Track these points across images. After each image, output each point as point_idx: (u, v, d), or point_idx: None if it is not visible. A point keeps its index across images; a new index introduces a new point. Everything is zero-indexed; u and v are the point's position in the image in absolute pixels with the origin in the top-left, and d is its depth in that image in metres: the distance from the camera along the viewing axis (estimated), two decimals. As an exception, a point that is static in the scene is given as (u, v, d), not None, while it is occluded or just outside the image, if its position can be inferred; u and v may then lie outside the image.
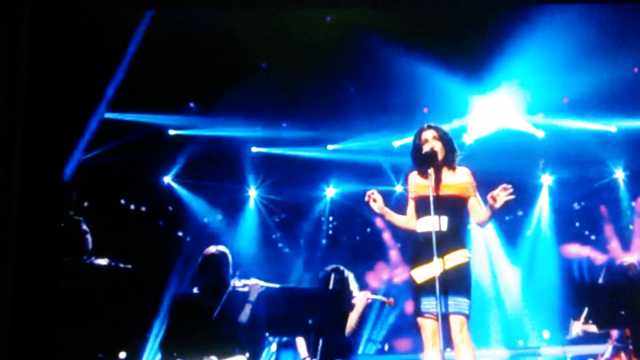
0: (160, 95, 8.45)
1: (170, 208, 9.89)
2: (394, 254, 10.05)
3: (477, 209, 5.16)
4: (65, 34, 3.75)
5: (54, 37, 3.70)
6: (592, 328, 6.69)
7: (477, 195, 5.21)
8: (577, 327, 6.91)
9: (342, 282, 6.68)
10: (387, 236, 10.10)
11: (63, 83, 3.78)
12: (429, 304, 4.97)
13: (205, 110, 9.07)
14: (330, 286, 6.56)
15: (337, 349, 6.30)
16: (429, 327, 5.01)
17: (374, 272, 9.91)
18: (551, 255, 9.39)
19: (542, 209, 9.61)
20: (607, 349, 6.59)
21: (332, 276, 6.67)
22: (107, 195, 8.84)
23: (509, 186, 4.96)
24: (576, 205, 9.68)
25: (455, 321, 4.94)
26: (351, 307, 6.49)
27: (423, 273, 5.03)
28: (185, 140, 9.43)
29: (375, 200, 5.24)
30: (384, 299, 6.90)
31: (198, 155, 9.50)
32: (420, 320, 5.06)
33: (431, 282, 4.89)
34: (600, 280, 7.10)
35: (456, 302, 4.95)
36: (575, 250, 9.35)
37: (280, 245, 10.33)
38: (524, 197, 9.35)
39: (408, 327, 9.31)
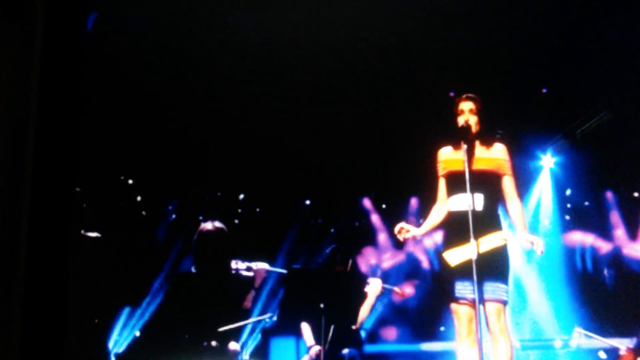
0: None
1: None
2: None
3: (509, 193, 4.77)
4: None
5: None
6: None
7: (512, 175, 4.80)
8: (580, 333, 6.59)
9: (346, 262, 6.18)
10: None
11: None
12: (464, 288, 4.57)
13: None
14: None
15: (347, 337, 5.78)
16: (464, 313, 4.61)
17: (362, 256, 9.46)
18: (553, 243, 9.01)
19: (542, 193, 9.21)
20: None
21: (336, 257, 6.16)
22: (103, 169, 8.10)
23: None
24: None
25: (493, 308, 4.56)
26: (363, 294, 5.97)
27: (457, 255, 4.62)
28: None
29: (408, 231, 4.81)
30: (398, 290, 6.29)
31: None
32: (454, 306, 4.64)
33: (466, 265, 4.47)
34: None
35: (494, 288, 4.57)
36: (579, 238, 9.00)
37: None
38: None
39: (395, 316, 8.96)
